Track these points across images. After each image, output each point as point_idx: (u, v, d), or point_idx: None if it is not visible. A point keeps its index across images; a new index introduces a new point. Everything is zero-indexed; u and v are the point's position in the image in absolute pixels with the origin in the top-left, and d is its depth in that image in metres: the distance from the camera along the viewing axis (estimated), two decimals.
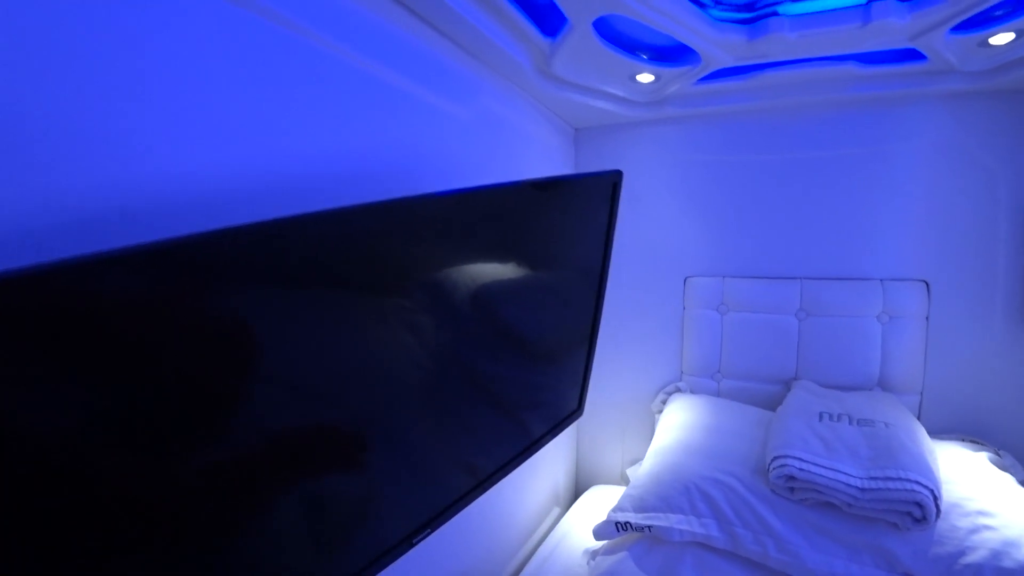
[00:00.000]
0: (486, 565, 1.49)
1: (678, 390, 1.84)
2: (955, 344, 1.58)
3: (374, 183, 0.92)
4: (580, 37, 1.20)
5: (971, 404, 1.57)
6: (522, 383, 1.06)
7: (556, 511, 1.92)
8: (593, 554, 1.44)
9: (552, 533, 1.69)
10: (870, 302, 1.62)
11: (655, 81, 1.51)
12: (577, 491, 2.06)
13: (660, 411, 1.82)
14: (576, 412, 1.22)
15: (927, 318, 1.60)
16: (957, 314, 1.58)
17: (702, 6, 1.20)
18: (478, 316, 0.85)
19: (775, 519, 1.24)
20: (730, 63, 1.38)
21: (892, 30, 1.21)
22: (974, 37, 1.26)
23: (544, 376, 1.15)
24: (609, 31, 1.29)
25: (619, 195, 1.13)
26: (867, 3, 1.19)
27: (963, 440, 1.50)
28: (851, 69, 1.44)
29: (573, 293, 1.09)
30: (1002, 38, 1.25)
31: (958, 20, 1.17)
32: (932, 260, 1.59)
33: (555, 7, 1.09)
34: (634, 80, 1.50)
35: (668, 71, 1.43)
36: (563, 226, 1.02)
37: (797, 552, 1.20)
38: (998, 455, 1.43)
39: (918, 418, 1.57)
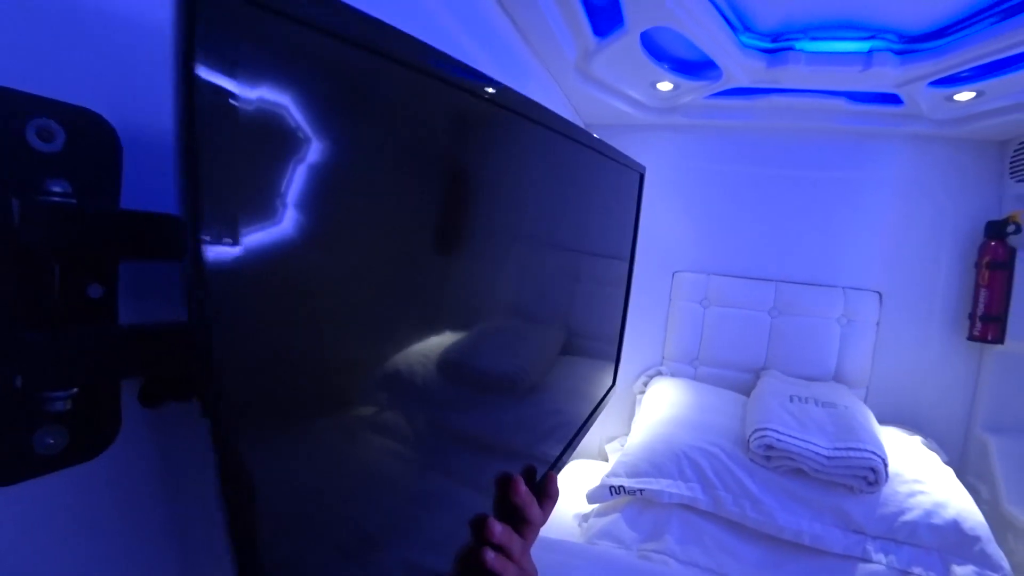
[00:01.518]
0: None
1: (659, 373, 2.03)
2: (899, 347, 1.86)
3: None
4: (626, 42, 1.35)
5: (908, 398, 1.86)
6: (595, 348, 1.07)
7: None
8: (585, 517, 1.58)
9: None
10: (833, 306, 1.87)
11: (673, 90, 1.68)
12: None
13: (642, 392, 2.00)
14: (612, 386, 1.30)
15: (878, 323, 1.87)
16: (903, 322, 1.86)
17: (735, 30, 1.37)
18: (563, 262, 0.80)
19: (752, 484, 1.44)
20: (745, 84, 1.58)
21: (885, 77, 1.45)
22: (944, 92, 1.52)
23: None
24: (648, 40, 1.44)
25: (643, 187, 1.21)
26: (869, 52, 1.41)
27: (900, 427, 1.77)
28: (842, 104, 1.68)
29: (613, 271, 1.16)
30: (965, 96, 1.52)
31: (936, 77, 1.42)
32: (886, 274, 1.87)
33: (616, 10, 1.23)
34: (654, 87, 1.67)
35: (688, 82, 1.61)
36: (608, 193, 1.02)
37: (771, 512, 1.40)
38: (927, 440, 1.71)
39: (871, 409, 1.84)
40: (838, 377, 1.86)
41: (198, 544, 0.63)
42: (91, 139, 0.44)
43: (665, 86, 1.66)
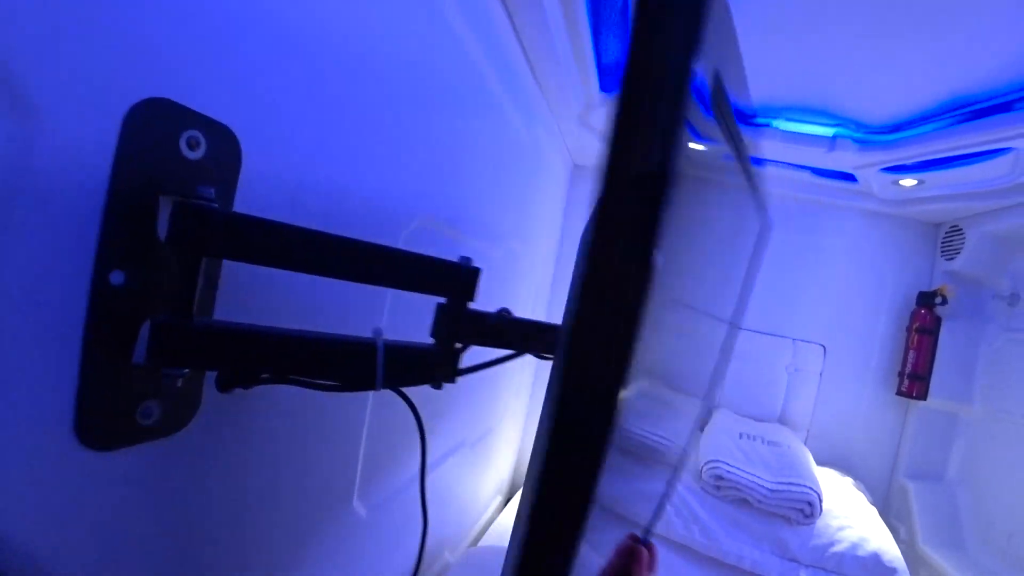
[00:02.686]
0: (436, 550, 1.51)
1: None
2: (837, 396, 2.06)
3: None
4: None
5: (842, 443, 2.05)
6: None
7: (499, 499, 2.12)
8: None
9: (499, 519, 1.87)
10: (783, 355, 2.06)
11: None
12: (516, 484, 2.27)
13: None
14: None
15: (821, 374, 2.06)
16: (842, 374, 2.06)
17: None
18: None
19: (701, 510, 1.56)
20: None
21: (845, 159, 1.67)
22: (892, 177, 1.74)
23: None
24: None
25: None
26: (834, 137, 1.62)
27: (834, 468, 1.95)
28: (806, 176, 1.89)
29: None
30: (909, 182, 1.75)
31: (887, 165, 1.64)
32: (831, 330, 2.08)
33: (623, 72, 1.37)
34: None
35: None
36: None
37: (717, 537, 1.52)
38: (856, 482, 1.89)
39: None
40: (783, 419, 2.04)
41: (256, 515, 0.69)
42: (224, 150, 0.53)
43: None
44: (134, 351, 0.47)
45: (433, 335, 0.67)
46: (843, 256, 2.08)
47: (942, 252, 2.01)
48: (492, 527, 1.83)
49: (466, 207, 1.14)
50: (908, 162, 1.63)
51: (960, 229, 1.94)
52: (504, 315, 0.73)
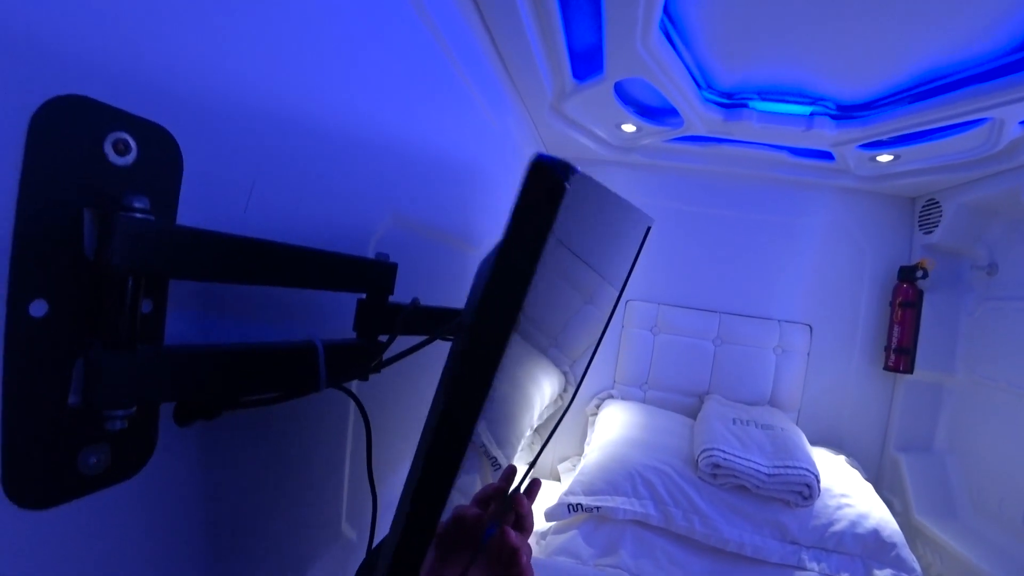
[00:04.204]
0: None
1: (611, 396, 2.12)
2: (826, 375, 2.06)
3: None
4: (602, 88, 1.45)
5: (833, 421, 2.05)
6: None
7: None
8: (543, 534, 1.62)
9: None
10: (770, 337, 2.04)
11: (636, 132, 1.80)
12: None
13: (595, 414, 2.08)
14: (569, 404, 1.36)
15: (808, 354, 2.06)
16: (829, 353, 2.06)
17: (699, 86, 1.52)
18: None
19: (700, 499, 1.54)
20: (703, 133, 1.72)
21: (822, 137, 1.65)
22: (869, 153, 1.73)
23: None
24: (619, 86, 1.55)
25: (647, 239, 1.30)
26: (811, 115, 1.60)
27: (827, 447, 1.95)
28: (783, 157, 1.87)
29: (594, 297, 1.24)
30: (885, 157, 1.74)
31: (864, 141, 1.62)
32: (816, 309, 2.07)
33: (598, 60, 1.33)
34: (619, 128, 1.79)
35: (651, 127, 1.74)
36: (609, 239, 1.14)
37: (716, 526, 1.50)
38: (850, 459, 1.89)
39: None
40: (773, 402, 2.03)
41: (238, 552, 0.63)
42: (160, 154, 0.46)
43: (629, 128, 1.78)
44: (69, 391, 0.41)
45: (355, 329, 0.69)
46: (823, 235, 2.08)
47: (920, 226, 2.01)
48: None
49: (439, 206, 1.08)
50: (885, 137, 1.61)
51: (937, 202, 1.95)
52: (416, 305, 0.75)
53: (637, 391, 2.13)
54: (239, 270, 0.50)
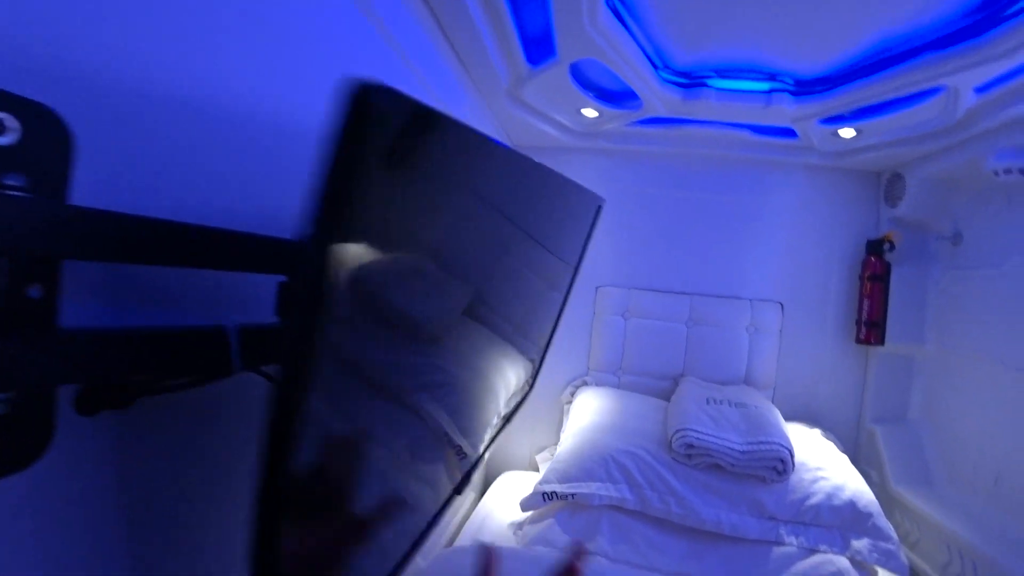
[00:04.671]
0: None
1: (585, 383, 2.11)
2: (799, 351, 2.07)
3: None
4: (557, 71, 1.44)
5: (808, 396, 2.07)
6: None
7: (472, 496, 2.06)
8: (520, 525, 1.61)
9: (472, 516, 1.80)
10: (742, 317, 2.05)
11: (597, 117, 1.80)
12: (488, 479, 2.21)
13: (569, 402, 2.07)
14: (529, 390, 1.34)
15: (781, 331, 2.06)
16: (802, 329, 2.07)
17: (655, 67, 1.51)
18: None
19: (675, 481, 1.53)
20: (663, 114, 1.72)
21: (782, 113, 1.66)
22: (830, 128, 1.74)
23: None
24: (576, 69, 1.54)
25: (600, 216, 1.30)
26: (769, 92, 1.60)
27: (803, 422, 1.95)
28: (746, 136, 1.87)
29: (555, 281, 1.22)
30: (847, 132, 1.75)
31: (824, 116, 1.63)
32: (787, 287, 2.08)
33: (550, 42, 1.31)
34: (579, 113, 1.77)
35: (611, 111, 1.73)
36: (564, 220, 1.13)
37: (693, 507, 1.50)
38: (825, 432, 1.89)
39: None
40: (748, 380, 2.03)
41: (136, 553, 0.60)
42: (45, 134, 0.44)
43: (590, 113, 1.77)
44: None
45: (277, 312, 0.65)
46: (791, 213, 2.08)
47: (886, 200, 2.03)
48: (466, 524, 1.77)
49: None
50: (844, 111, 1.61)
51: (901, 176, 1.96)
52: None
53: (611, 377, 2.13)
54: (141, 250, 0.48)
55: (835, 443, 1.82)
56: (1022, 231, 1.57)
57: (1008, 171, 1.55)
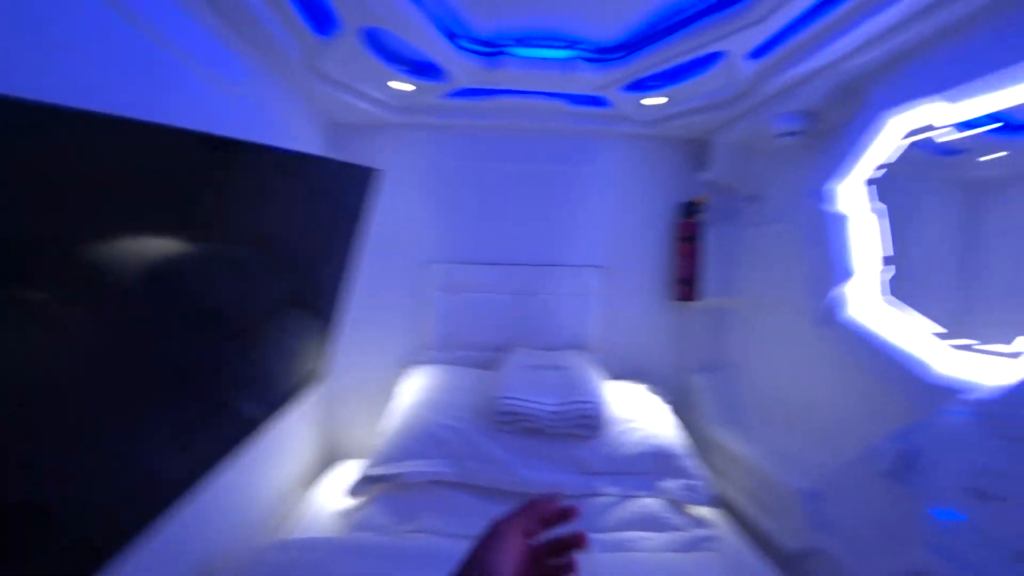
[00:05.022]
0: (236, 547, 1.42)
1: (419, 363, 2.07)
2: (624, 313, 2.17)
3: None
4: (348, 41, 1.36)
5: (635, 354, 2.18)
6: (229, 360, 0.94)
7: (299, 490, 1.93)
8: (346, 513, 1.54)
9: (303, 509, 1.69)
10: (567, 283, 2.11)
11: (414, 91, 1.74)
12: (322, 469, 2.09)
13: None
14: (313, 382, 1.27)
15: (606, 295, 2.15)
16: (625, 292, 2.17)
17: (452, 36, 1.48)
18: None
19: (496, 448, 1.54)
20: (470, 84, 1.70)
21: (584, 81, 1.70)
22: (635, 96, 1.81)
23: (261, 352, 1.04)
24: (375, 40, 1.48)
25: (375, 189, 1.26)
26: (568, 59, 1.65)
27: (631, 380, 2.04)
28: (561, 105, 1.91)
29: (311, 270, 1.14)
30: (655, 100, 1.83)
31: (626, 82, 1.69)
32: (609, 252, 2.17)
33: (330, 10, 1.24)
34: (389, 86, 1.71)
35: (422, 83, 1.68)
36: (311, 204, 1.04)
37: (515, 471, 1.51)
38: (651, 387, 1.99)
39: (603, 368, 2.08)
40: (578, 345, 2.09)
41: None
42: None
43: (402, 86, 1.71)
44: None
45: None
46: (612, 181, 2.16)
47: (697, 165, 2.16)
48: (296, 517, 1.67)
49: None
50: (644, 76, 1.67)
51: (708, 143, 2.10)
52: None
53: (445, 353, 2.10)
54: None
55: (661, 396, 1.92)
56: (802, 188, 1.73)
57: (786, 134, 1.69)
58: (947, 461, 1.02)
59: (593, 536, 1.45)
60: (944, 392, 1.09)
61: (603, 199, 2.16)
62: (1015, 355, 1.01)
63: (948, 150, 1.70)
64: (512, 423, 1.55)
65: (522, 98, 1.87)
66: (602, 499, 1.53)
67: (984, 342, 1.24)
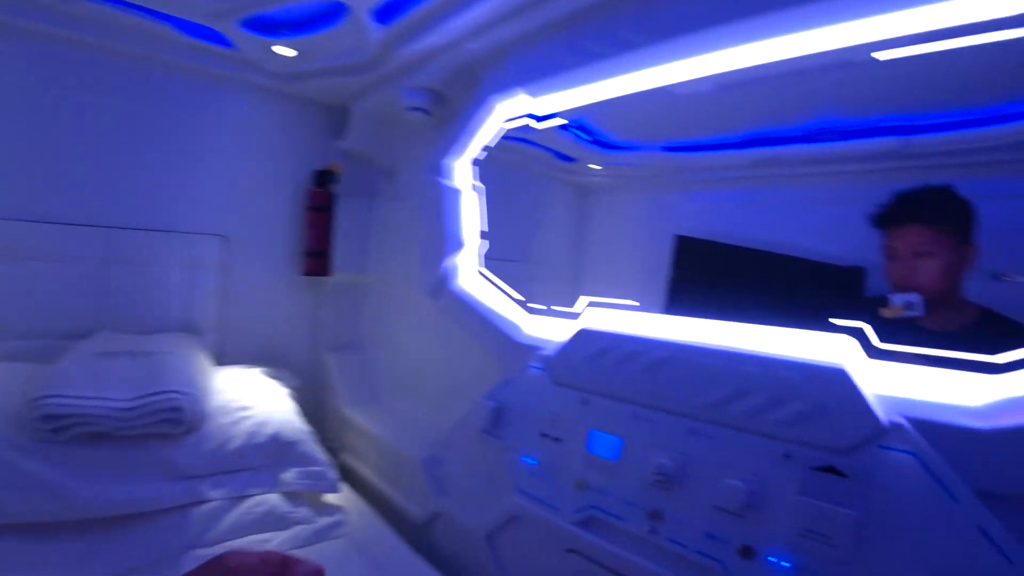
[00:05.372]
0: None
1: None
2: (246, 288, 1.92)
3: None
4: None
5: (261, 335, 1.96)
6: None
7: None
8: None
9: None
10: (175, 252, 1.74)
11: None
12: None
13: None
14: None
15: (223, 267, 1.86)
16: (248, 264, 1.92)
17: None
18: None
19: (42, 468, 1.14)
20: None
21: (194, 7, 1.38)
22: (262, 40, 1.56)
23: None
24: None
25: None
26: None
27: (253, 365, 1.81)
28: (169, 31, 1.54)
29: None
30: (284, 51, 1.61)
31: (241, 16, 1.41)
32: (231, 218, 1.88)
33: None
34: None
35: None
36: None
37: (74, 494, 1.14)
38: (271, 370, 1.79)
39: (218, 352, 1.80)
40: (187, 326, 1.76)
41: None
42: None
43: None
44: None
45: None
46: (237, 136, 1.88)
47: (334, 132, 2.05)
48: None
49: None
50: (261, 10, 1.44)
51: (347, 109, 2.00)
52: None
53: None
54: None
55: (287, 378, 1.76)
56: (427, 164, 1.78)
57: (416, 108, 1.71)
58: (526, 412, 1.17)
59: (199, 552, 1.21)
60: (530, 351, 1.24)
61: (227, 157, 1.85)
62: (576, 315, 1.22)
63: (567, 157, 1.99)
64: (63, 429, 1.16)
65: (116, 9, 1.42)
66: (209, 505, 1.29)
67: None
